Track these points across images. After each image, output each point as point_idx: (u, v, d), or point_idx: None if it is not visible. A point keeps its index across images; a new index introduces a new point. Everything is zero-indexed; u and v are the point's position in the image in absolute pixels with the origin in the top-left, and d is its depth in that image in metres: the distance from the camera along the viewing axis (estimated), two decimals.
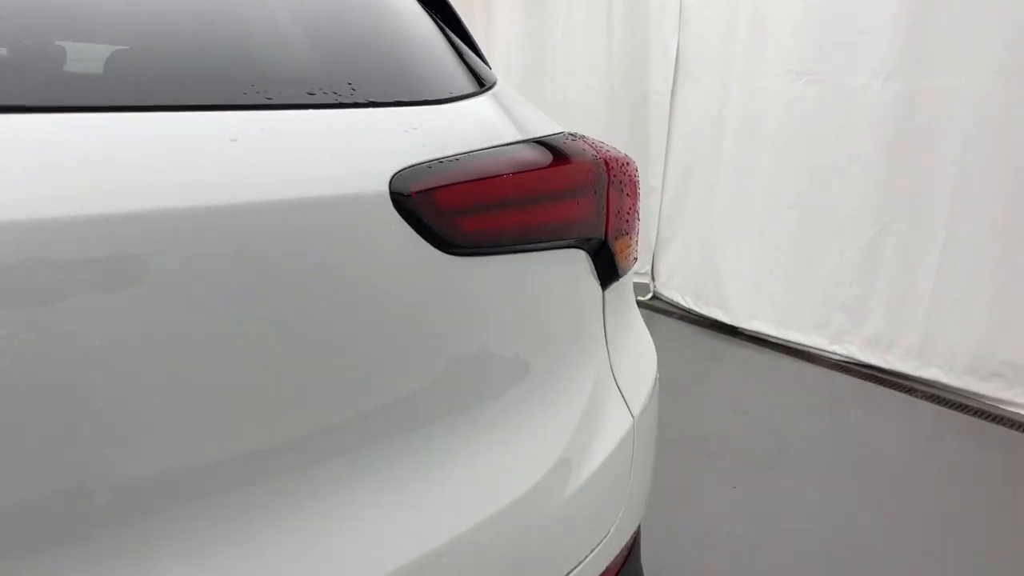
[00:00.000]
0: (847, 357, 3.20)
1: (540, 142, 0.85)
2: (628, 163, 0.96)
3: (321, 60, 0.79)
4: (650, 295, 4.21)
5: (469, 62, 0.93)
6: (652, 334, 1.10)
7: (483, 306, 0.75)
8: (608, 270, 0.90)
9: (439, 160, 0.71)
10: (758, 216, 3.47)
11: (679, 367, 3.19)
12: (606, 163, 0.88)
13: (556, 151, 0.84)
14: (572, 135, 0.92)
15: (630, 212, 0.95)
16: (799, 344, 3.37)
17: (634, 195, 0.97)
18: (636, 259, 1.01)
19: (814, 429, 2.63)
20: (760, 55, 3.33)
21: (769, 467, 2.33)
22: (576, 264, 0.85)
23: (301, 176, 0.61)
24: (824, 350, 3.28)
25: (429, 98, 0.80)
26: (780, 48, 3.23)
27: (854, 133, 3.03)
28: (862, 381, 3.04)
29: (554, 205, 0.81)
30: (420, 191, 0.67)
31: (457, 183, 0.71)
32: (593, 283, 0.88)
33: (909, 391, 2.92)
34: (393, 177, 0.67)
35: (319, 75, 0.76)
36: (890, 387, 2.97)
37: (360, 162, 0.66)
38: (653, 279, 4.23)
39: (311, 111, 0.68)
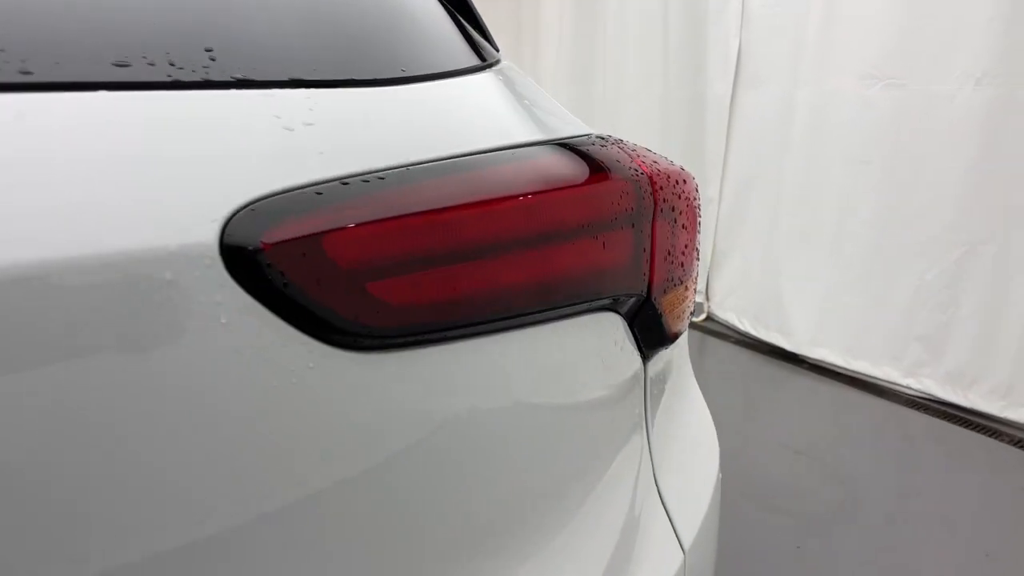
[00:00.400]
0: (923, 393, 2.88)
1: (551, 146, 0.58)
2: (685, 180, 0.68)
3: (155, 10, 0.49)
4: (704, 316, 3.91)
5: (461, 26, 0.66)
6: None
7: (434, 435, 0.47)
8: (653, 335, 0.64)
9: (343, 180, 0.43)
10: (827, 232, 3.17)
11: (733, 399, 2.91)
12: (651, 180, 0.61)
13: (582, 162, 0.57)
14: (602, 138, 0.64)
15: (686, 252, 0.67)
16: (869, 376, 3.05)
17: (692, 226, 0.69)
18: (693, 311, 0.75)
19: (887, 476, 2.34)
20: (832, 56, 3.03)
21: (837, 522, 2.05)
22: (604, 334, 0.59)
23: (39, 225, 0.35)
24: (897, 384, 2.97)
25: (358, 76, 0.52)
26: (855, 49, 2.93)
27: (939, 143, 2.72)
28: (940, 420, 2.72)
29: (564, 250, 0.53)
30: (287, 240, 0.40)
31: (375, 221, 0.43)
32: (630, 357, 0.62)
33: (994, 434, 2.60)
34: (232, 217, 0.39)
35: (150, 36, 0.47)
36: (972, 428, 2.65)
37: (174, 192, 0.38)
38: (707, 298, 3.93)
39: (106, 95, 0.40)
